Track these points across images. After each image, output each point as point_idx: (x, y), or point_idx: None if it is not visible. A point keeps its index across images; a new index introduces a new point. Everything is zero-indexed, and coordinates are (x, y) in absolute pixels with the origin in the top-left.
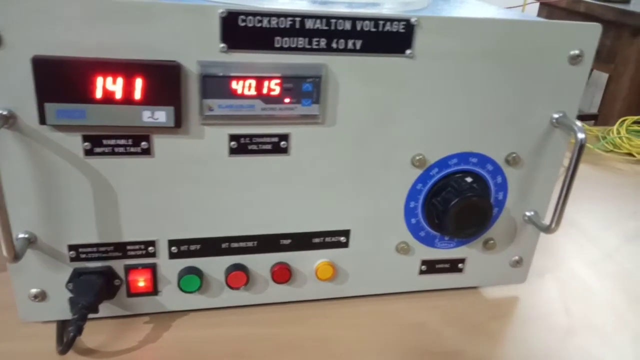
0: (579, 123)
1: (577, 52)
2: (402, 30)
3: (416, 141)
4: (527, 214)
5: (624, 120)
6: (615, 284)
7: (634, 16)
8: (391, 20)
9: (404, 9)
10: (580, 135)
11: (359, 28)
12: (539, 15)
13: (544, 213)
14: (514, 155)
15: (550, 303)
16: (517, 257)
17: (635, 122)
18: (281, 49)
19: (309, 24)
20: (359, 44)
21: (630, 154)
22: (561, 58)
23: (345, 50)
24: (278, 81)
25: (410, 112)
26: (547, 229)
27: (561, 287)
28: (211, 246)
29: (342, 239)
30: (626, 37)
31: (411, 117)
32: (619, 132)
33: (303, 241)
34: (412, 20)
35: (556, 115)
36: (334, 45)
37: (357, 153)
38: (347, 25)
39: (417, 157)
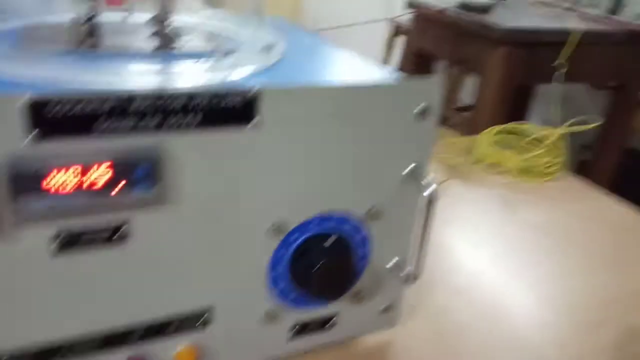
0: (429, 176)
1: (422, 107)
2: (243, 103)
3: (272, 210)
4: (391, 263)
5: (490, 131)
6: (484, 312)
7: (494, 28)
8: (229, 94)
9: (256, 64)
10: (427, 192)
11: (194, 104)
12: (412, 26)
13: (408, 260)
14: (373, 210)
15: (422, 342)
16: (386, 305)
17: (499, 132)
18: (106, 132)
19: (137, 103)
20: (196, 119)
21: (496, 165)
22: (407, 114)
23: (182, 127)
24: (107, 167)
25: (261, 182)
26: (410, 279)
27: (432, 323)
28: (49, 354)
29: (205, 317)
30: (489, 47)
31: (263, 187)
32: (483, 143)
33: (158, 329)
34: (253, 92)
35: (408, 169)
36: (168, 123)
37: (208, 229)
38: (181, 102)
39: (275, 225)
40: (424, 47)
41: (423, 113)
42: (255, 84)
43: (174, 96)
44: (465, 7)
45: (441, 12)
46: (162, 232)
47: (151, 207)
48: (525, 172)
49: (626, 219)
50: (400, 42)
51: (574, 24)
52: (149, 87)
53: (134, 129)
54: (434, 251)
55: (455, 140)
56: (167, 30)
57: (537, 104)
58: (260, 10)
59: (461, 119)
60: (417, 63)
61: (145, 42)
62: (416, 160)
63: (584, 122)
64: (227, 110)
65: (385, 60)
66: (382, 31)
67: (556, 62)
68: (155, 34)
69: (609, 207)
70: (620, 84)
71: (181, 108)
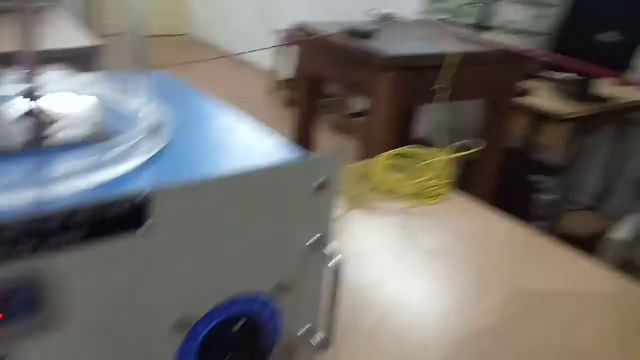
0: (333, 245)
1: (321, 181)
2: (132, 210)
3: (173, 307)
4: (302, 331)
5: (383, 156)
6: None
7: (380, 55)
8: (116, 203)
9: (143, 154)
10: (332, 263)
11: (76, 220)
12: (301, 50)
13: (319, 326)
14: (281, 284)
15: None
16: None
17: (393, 156)
18: None
19: (6, 232)
20: (80, 235)
21: (391, 190)
22: (307, 189)
23: (64, 246)
24: None
25: (159, 283)
26: (322, 345)
27: None
28: None
29: None
30: (377, 73)
31: (161, 288)
32: (377, 170)
33: None
34: (142, 196)
35: (312, 241)
36: (47, 245)
37: (105, 342)
38: (60, 221)
39: (178, 322)
40: (315, 70)
41: (322, 186)
42: (144, 187)
43: (50, 216)
44: (350, 32)
45: (328, 38)
46: (53, 356)
47: (36, 336)
48: (417, 196)
49: (514, 235)
50: (290, 51)
51: (452, 47)
52: (21, 206)
53: (7, 257)
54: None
55: (352, 168)
56: (38, 113)
57: (425, 120)
58: (144, 65)
59: (355, 125)
60: (309, 85)
61: (12, 131)
62: (319, 230)
63: (468, 146)
64: (115, 219)
65: (274, 73)
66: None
67: (437, 86)
68: (26, 117)
69: (497, 224)
70: (496, 98)
71: (61, 226)
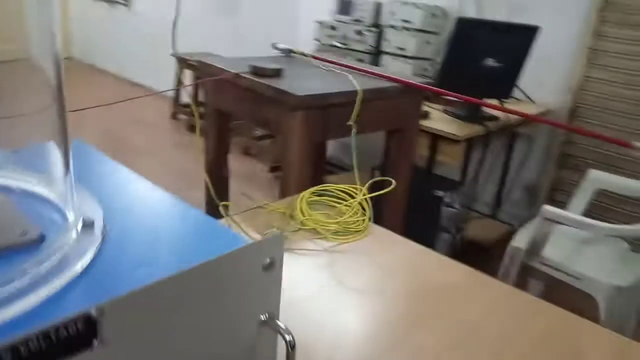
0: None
1: (268, 260)
2: (80, 330)
3: None
4: None
5: (304, 195)
6: None
7: (289, 95)
8: (57, 328)
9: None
10: (283, 341)
11: (26, 351)
12: (209, 86)
13: None
14: None
15: None
16: None
17: (312, 194)
18: None
19: None
20: None
21: (316, 231)
22: (256, 269)
23: None
24: None
25: None
26: None
27: None
28: None
29: None
30: (287, 112)
31: None
32: (301, 210)
33: None
34: (88, 316)
35: (263, 318)
36: None
37: None
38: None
39: None
40: (223, 107)
41: (269, 265)
42: (89, 304)
43: None
44: (257, 72)
45: (236, 77)
46: None
47: None
48: (342, 233)
49: (430, 262)
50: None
51: (357, 83)
52: None
53: None
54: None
55: (275, 206)
56: None
57: (337, 150)
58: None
59: (260, 148)
60: (218, 120)
61: None
62: (269, 307)
63: (383, 184)
64: (65, 341)
65: (176, 94)
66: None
67: (349, 122)
68: None
69: (417, 255)
70: (399, 128)
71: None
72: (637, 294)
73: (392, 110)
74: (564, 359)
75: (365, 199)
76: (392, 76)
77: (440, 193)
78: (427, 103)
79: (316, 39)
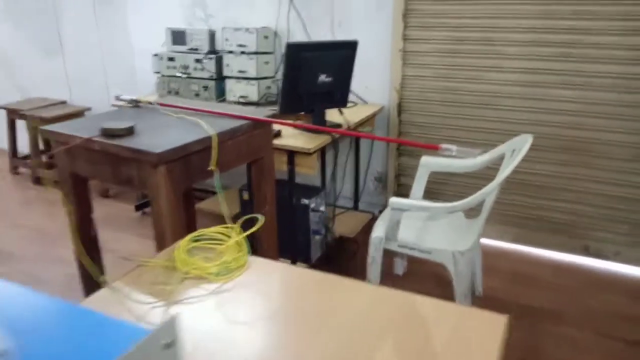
0: None
1: (167, 341)
2: None
3: None
4: None
5: (182, 245)
6: None
7: (148, 153)
8: None
9: None
10: None
11: None
12: (59, 153)
13: None
14: None
15: None
16: None
17: (190, 241)
18: None
19: None
20: None
21: (200, 276)
22: (156, 351)
23: None
24: None
25: None
26: None
27: None
28: None
29: None
30: (148, 168)
31: None
32: (181, 260)
33: None
34: None
35: None
36: None
37: None
38: None
39: None
40: (79, 171)
41: (169, 345)
42: None
43: None
44: (108, 134)
45: (88, 141)
46: None
47: None
48: (224, 273)
49: (304, 279)
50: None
51: (210, 129)
52: None
53: None
54: None
55: (156, 261)
56: None
57: None
58: None
59: (119, 188)
60: (75, 183)
61: None
62: None
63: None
64: None
65: (13, 147)
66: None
67: (210, 167)
68: None
69: (290, 276)
70: (257, 158)
71: None
72: (475, 252)
73: (247, 144)
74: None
75: (241, 239)
76: (241, 115)
77: (305, 201)
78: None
79: (156, 72)
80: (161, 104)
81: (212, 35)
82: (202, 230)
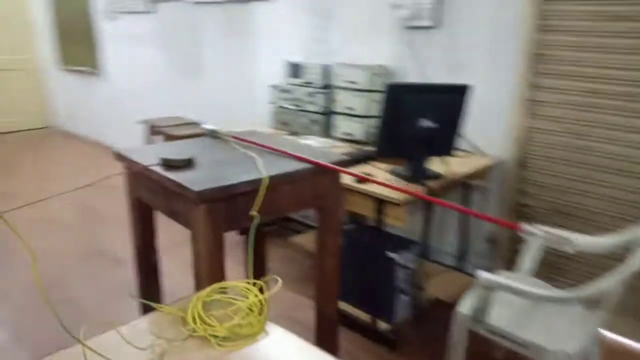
0: None
1: None
2: None
3: None
4: None
5: (199, 297)
6: None
7: (190, 190)
8: None
9: None
10: None
11: None
12: (126, 178)
13: None
14: None
15: None
16: None
17: (209, 294)
18: None
19: None
20: None
21: (206, 338)
22: None
23: None
24: None
25: None
26: None
27: None
28: None
29: None
30: (191, 205)
31: None
32: (193, 314)
33: None
34: None
35: None
36: None
37: None
38: None
39: None
40: (141, 197)
41: None
42: None
43: None
44: (166, 164)
45: (146, 169)
46: None
47: None
48: (232, 338)
49: None
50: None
51: (265, 170)
52: None
53: None
54: None
55: (171, 310)
56: None
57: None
58: None
59: None
60: (139, 208)
61: None
62: None
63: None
64: None
65: None
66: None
67: (250, 212)
68: None
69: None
70: (319, 206)
71: None
72: (591, 355)
73: (310, 189)
74: None
75: (262, 299)
76: (308, 158)
77: (392, 255)
78: (373, 163)
79: (271, 102)
80: (235, 137)
81: (326, 70)
82: (225, 283)
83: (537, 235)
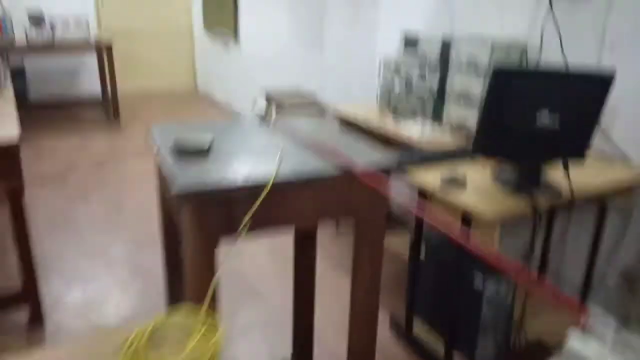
0: None
1: None
2: None
3: None
4: None
5: (148, 326)
6: None
7: (177, 184)
8: None
9: None
10: None
11: None
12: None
13: None
14: None
15: None
16: None
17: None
18: None
19: None
20: None
21: None
22: None
23: None
24: None
25: None
26: None
27: None
28: None
29: None
30: (180, 202)
31: None
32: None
33: None
34: None
35: None
36: None
37: None
38: None
39: None
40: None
41: None
42: None
43: None
44: (179, 149)
45: (156, 155)
46: None
47: None
48: None
49: None
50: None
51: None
52: None
53: None
54: None
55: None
56: None
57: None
58: None
59: None
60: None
61: None
62: None
63: None
64: None
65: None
66: None
67: (245, 219)
68: None
69: None
70: (358, 219)
71: None
72: None
73: (330, 198)
74: None
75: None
76: (347, 161)
77: (478, 284)
78: (469, 162)
79: (380, 79)
80: (278, 125)
81: (444, 45)
82: (175, 315)
83: (601, 333)
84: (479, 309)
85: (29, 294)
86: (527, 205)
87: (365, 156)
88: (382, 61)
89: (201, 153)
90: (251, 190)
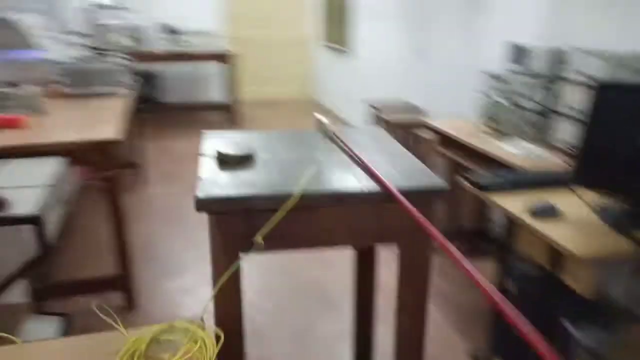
0: None
1: None
2: None
3: None
4: None
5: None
6: None
7: (198, 195)
8: None
9: None
10: None
11: None
12: None
13: None
14: None
15: None
16: None
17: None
18: None
19: None
20: None
21: None
22: None
23: None
24: None
25: None
26: None
27: None
28: None
29: None
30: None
31: None
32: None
33: None
34: None
35: None
36: None
37: None
38: None
39: None
40: None
41: None
42: None
43: None
44: (220, 158)
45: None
46: None
47: None
48: None
49: None
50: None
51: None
52: None
53: None
54: None
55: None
56: None
57: None
58: None
59: None
60: None
61: None
62: None
63: None
64: None
65: None
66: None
67: (258, 236)
68: None
69: None
70: (394, 243)
71: None
72: None
73: (364, 220)
74: None
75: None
76: (383, 180)
77: (569, 326)
78: (567, 192)
79: (482, 92)
80: (336, 138)
81: (555, 56)
82: (177, 323)
83: None
84: (567, 355)
85: (123, 280)
86: (633, 246)
87: (415, 177)
88: (487, 74)
89: (240, 162)
90: (273, 202)
